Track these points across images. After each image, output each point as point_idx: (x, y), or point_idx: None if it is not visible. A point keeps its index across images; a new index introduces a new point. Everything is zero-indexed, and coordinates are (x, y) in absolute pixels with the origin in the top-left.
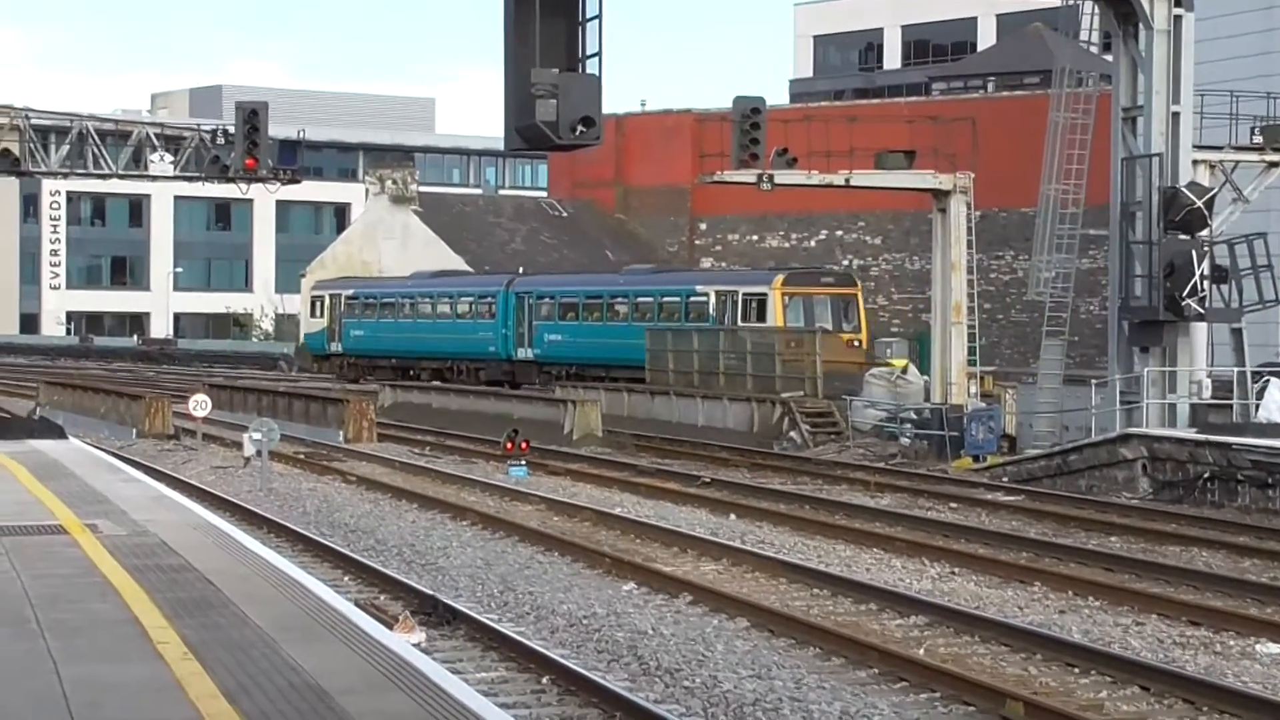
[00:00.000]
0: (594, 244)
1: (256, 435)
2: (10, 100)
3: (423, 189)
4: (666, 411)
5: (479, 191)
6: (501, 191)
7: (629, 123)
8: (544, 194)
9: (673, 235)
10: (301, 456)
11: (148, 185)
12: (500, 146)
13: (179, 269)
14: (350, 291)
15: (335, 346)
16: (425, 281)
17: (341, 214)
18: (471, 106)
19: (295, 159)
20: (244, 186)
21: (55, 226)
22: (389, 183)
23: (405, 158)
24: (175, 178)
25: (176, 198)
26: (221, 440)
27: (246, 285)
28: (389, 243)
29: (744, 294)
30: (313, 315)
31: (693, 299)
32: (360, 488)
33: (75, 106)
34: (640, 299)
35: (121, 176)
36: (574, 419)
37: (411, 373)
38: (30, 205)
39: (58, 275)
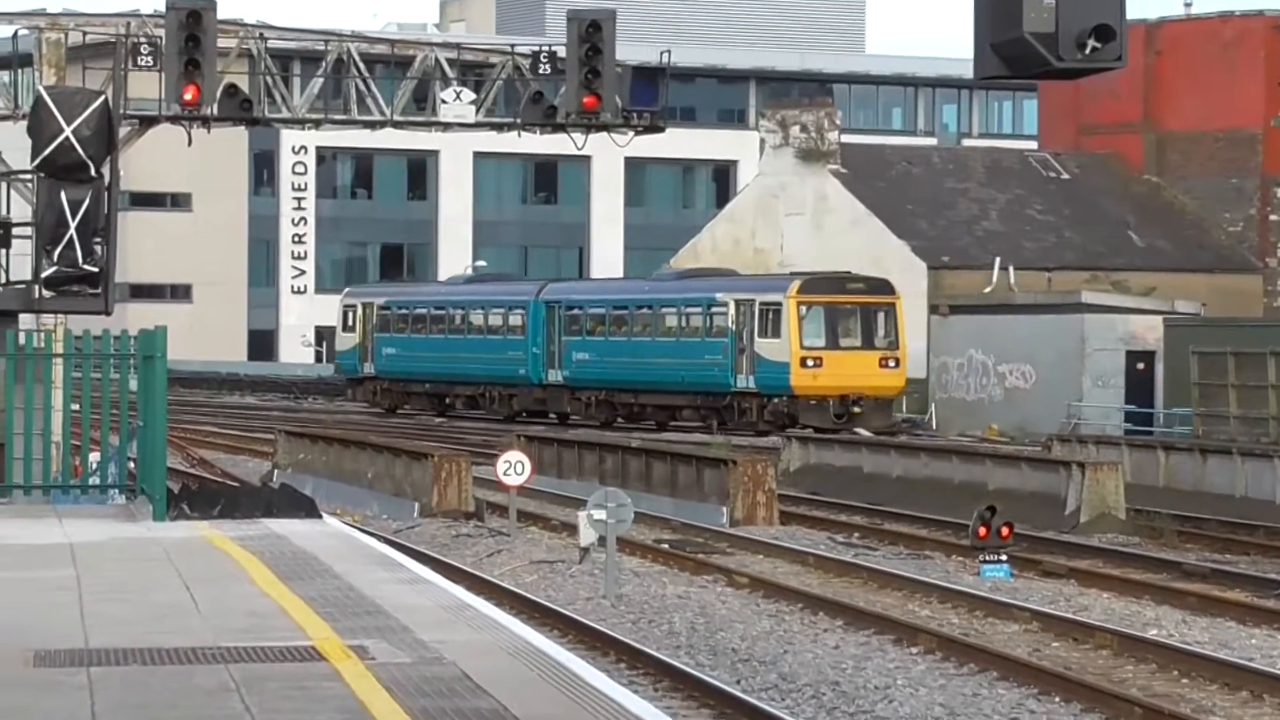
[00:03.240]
0: (1111, 219)
1: (599, 514)
2: (238, 13)
3: (846, 138)
4: (1227, 479)
5: (932, 142)
6: (966, 141)
7: (1164, 33)
8: (1032, 145)
9: (1235, 207)
10: (665, 546)
11: (435, 137)
12: (966, 73)
13: (481, 261)
14: (383, 300)
15: (368, 368)
16: (458, 288)
17: (723, 177)
18: (919, 14)
19: (655, 95)
20: (579, 138)
21: (300, 200)
22: (795, 129)
23: (820, 91)
24: (477, 125)
25: (477, 155)
26: (545, 520)
27: None
28: (795, 220)
29: (760, 303)
30: (345, 329)
31: (714, 309)
32: (755, 594)
33: (330, 21)
34: (664, 310)
35: (398, 124)
36: (1082, 491)
37: (447, 400)
38: (264, 169)
39: (303, 272)
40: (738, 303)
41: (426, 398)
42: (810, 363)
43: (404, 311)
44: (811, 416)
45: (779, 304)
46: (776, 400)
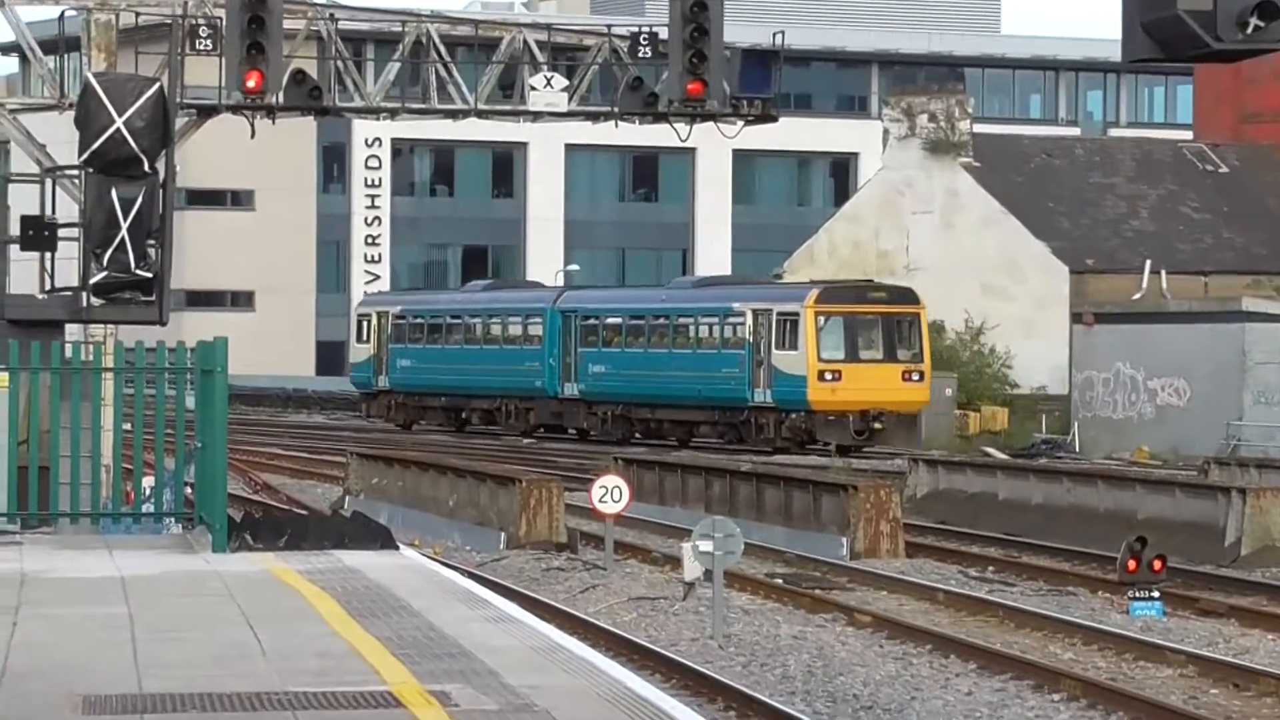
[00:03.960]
0: (1275, 217)
1: (705, 545)
2: None
3: (979, 128)
4: None
5: (1075, 132)
6: (1113, 131)
7: None
8: (1187, 135)
9: None
10: (778, 580)
11: (524, 128)
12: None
13: (573, 266)
14: (398, 309)
15: (382, 381)
16: (475, 295)
17: (842, 171)
18: None
19: (768, 81)
20: (683, 128)
21: (373, 198)
22: (923, 118)
23: (950, 76)
24: (569, 115)
25: (570, 148)
26: (645, 552)
27: None
28: (922, 219)
29: (777, 313)
30: (359, 340)
31: (730, 319)
32: (878, 634)
33: (408, 0)
34: (681, 319)
35: (482, 114)
36: (1243, 520)
37: (463, 414)
38: (334, 164)
39: (376, 278)
40: (755, 313)
41: (442, 412)
42: (828, 376)
43: (419, 321)
44: (830, 433)
45: (796, 314)
46: (794, 416)
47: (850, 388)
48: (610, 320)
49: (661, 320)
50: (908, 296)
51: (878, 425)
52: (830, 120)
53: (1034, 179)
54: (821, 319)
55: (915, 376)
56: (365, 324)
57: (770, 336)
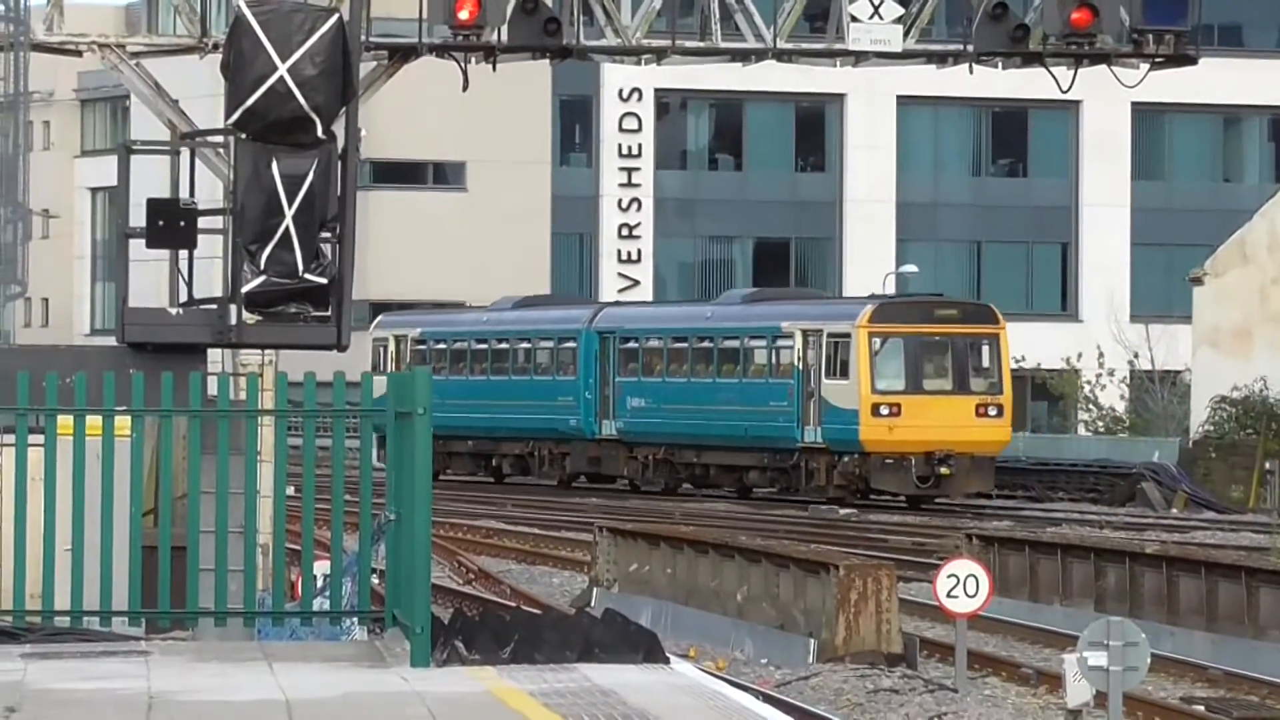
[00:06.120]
0: None
1: (1097, 658)
2: None
3: None
4: None
5: None
6: None
7: None
8: None
9: None
10: (1199, 708)
11: (840, 75)
12: None
13: (909, 266)
14: (418, 331)
15: None
16: (504, 314)
17: None
18: None
19: (1183, 9)
20: (1063, 74)
21: (630, 173)
22: None
23: None
24: (905, 56)
25: (903, 102)
26: (1011, 667)
27: (1062, 302)
28: None
29: (828, 335)
30: (378, 371)
31: (779, 342)
32: None
33: None
34: (726, 341)
35: (783, 55)
36: None
37: (494, 462)
38: (575, 125)
39: (635, 282)
40: (805, 334)
41: (470, 458)
42: (885, 410)
43: (442, 346)
44: (887, 479)
45: (847, 335)
46: (846, 459)
47: (912, 425)
48: (651, 344)
49: (706, 344)
50: (984, 315)
51: (945, 470)
52: (1270, 62)
53: None
54: (877, 341)
55: (992, 411)
56: (382, 350)
57: (820, 363)
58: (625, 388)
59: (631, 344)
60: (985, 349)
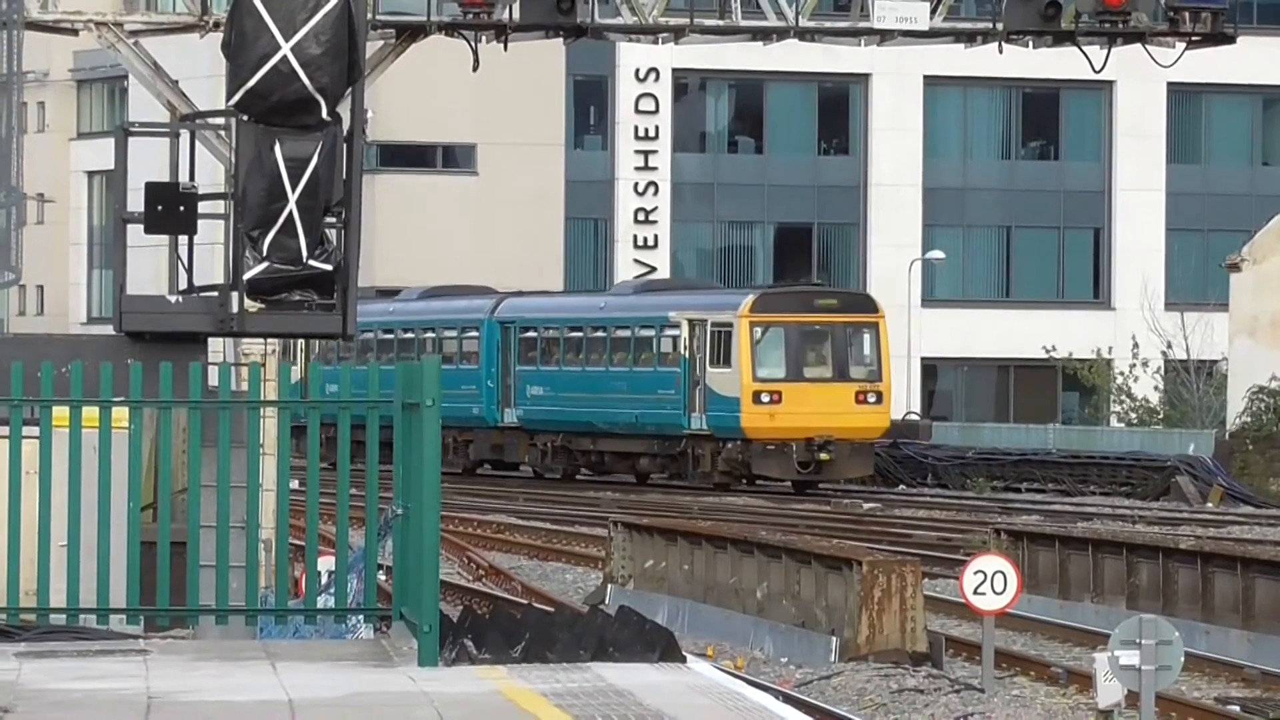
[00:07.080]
0: None
1: (1128, 657)
2: None
3: None
4: None
5: None
6: None
7: None
8: None
9: None
10: (1234, 709)
11: (866, 54)
12: None
13: (936, 253)
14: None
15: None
16: (410, 305)
17: None
18: None
19: None
20: (1096, 53)
21: (647, 156)
22: None
23: None
24: (932, 35)
25: (930, 82)
26: (1041, 666)
27: (1095, 290)
28: None
29: (711, 324)
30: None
31: (666, 332)
32: None
33: None
34: (618, 331)
35: (806, 34)
36: None
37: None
38: (590, 106)
39: (651, 269)
40: (691, 323)
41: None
42: (766, 398)
43: (369, 334)
44: (769, 465)
45: (730, 325)
46: (729, 445)
47: (792, 411)
48: (548, 333)
49: (600, 332)
50: (863, 304)
51: (825, 455)
52: None
53: None
54: (758, 330)
55: (871, 398)
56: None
57: (705, 352)
58: (525, 376)
59: (531, 333)
60: (865, 337)
